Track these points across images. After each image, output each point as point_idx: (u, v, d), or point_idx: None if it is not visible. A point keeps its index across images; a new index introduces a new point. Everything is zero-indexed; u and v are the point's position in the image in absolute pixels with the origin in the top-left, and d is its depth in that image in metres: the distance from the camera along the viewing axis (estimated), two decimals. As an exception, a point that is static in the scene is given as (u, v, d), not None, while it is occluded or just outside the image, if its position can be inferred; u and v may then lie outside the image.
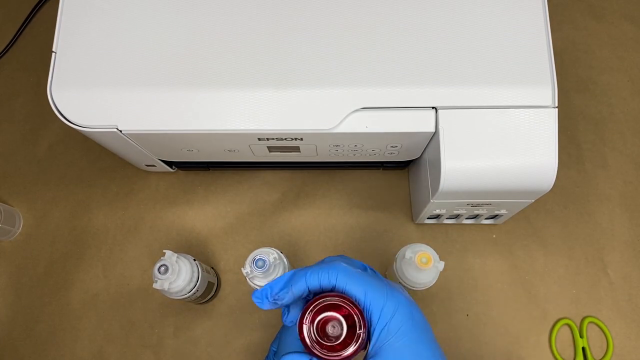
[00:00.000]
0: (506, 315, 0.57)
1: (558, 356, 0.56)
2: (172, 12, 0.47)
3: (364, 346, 0.33)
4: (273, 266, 0.47)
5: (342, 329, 0.33)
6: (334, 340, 0.33)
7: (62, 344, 0.58)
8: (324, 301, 0.33)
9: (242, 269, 0.47)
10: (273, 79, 0.45)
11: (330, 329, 0.33)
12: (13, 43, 0.70)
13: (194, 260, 0.51)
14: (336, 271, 0.34)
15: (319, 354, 0.32)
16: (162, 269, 0.47)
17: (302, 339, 0.33)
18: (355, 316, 0.33)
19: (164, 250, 0.48)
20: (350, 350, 0.32)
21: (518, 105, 0.44)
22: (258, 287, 0.49)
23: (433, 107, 0.45)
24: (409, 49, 0.45)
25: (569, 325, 0.57)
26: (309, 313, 0.33)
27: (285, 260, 0.50)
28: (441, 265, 0.48)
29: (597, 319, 0.57)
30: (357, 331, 0.32)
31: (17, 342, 0.58)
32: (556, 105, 0.44)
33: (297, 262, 0.60)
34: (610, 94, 0.65)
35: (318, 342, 0.33)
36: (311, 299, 0.34)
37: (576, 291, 0.58)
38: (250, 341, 0.57)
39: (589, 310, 0.57)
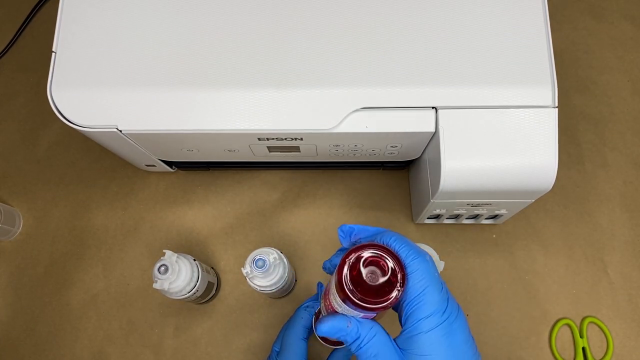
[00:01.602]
0: (506, 315, 0.57)
1: (558, 356, 0.56)
2: (172, 12, 0.47)
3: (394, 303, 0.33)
4: (273, 266, 0.47)
5: (383, 277, 0.32)
6: (371, 288, 0.32)
7: (62, 344, 0.58)
8: (371, 247, 0.33)
9: (242, 269, 0.47)
10: (273, 79, 0.45)
11: (369, 276, 0.32)
12: (13, 43, 0.70)
13: (194, 260, 0.51)
14: (418, 257, 0.34)
15: (355, 300, 0.32)
16: (162, 269, 0.47)
17: (340, 281, 0.32)
18: (399, 272, 0.32)
19: (164, 250, 0.48)
20: (388, 302, 0.32)
21: (518, 105, 0.44)
22: (258, 287, 0.49)
23: (433, 107, 0.45)
24: (409, 49, 0.45)
25: (569, 325, 0.57)
26: (353, 253, 0.33)
27: (285, 260, 0.50)
28: (441, 265, 0.48)
29: (597, 319, 0.57)
30: (397, 286, 0.32)
31: (17, 342, 0.58)
32: (556, 105, 0.44)
33: (297, 262, 0.60)
34: (610, 94, 0.65)
35: (356, 286, 0.32)
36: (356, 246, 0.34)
37: (576, 291, 0.58)
38: (250, 341, 0.57)
39: (589, 310, 0.57)
